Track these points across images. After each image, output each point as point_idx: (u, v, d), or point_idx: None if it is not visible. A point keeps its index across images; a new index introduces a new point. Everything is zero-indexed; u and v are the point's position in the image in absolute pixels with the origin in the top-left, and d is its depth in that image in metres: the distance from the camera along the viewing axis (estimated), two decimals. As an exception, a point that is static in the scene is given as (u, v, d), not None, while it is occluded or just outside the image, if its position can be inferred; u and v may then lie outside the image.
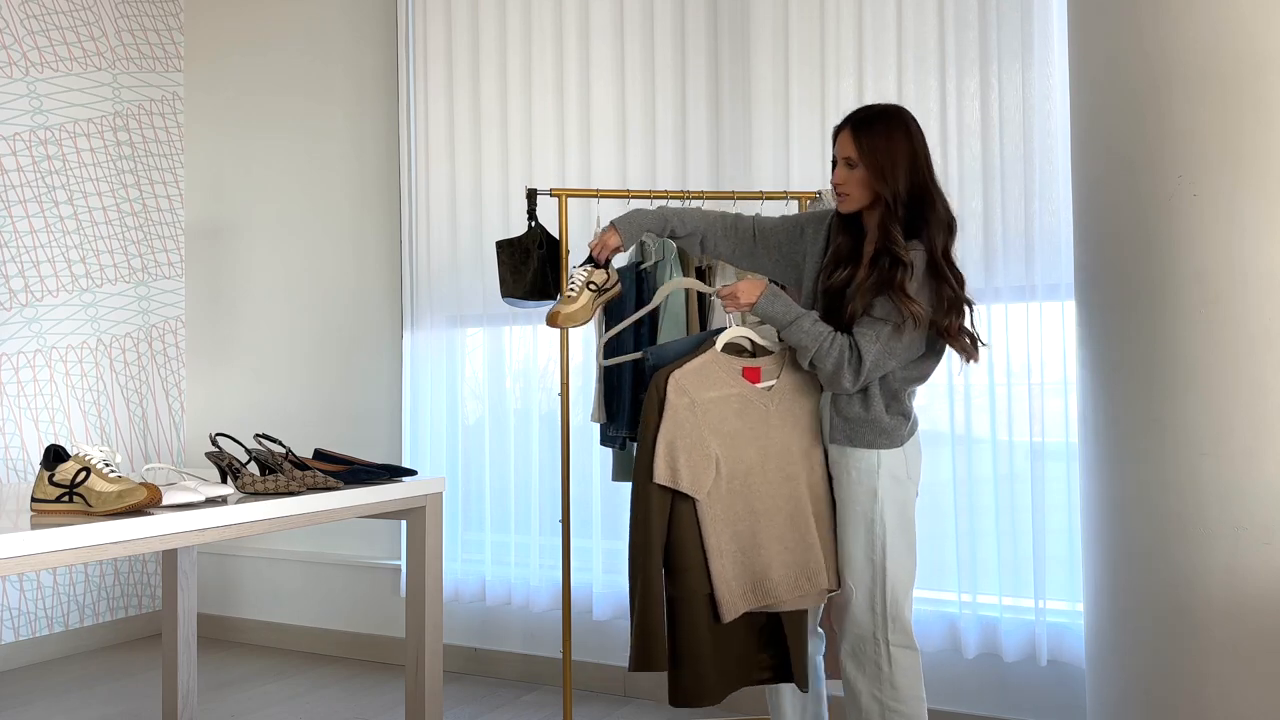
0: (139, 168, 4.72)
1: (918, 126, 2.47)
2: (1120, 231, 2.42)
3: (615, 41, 3.82)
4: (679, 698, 2.47)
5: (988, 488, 3.24)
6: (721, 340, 2.53)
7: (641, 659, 2.44)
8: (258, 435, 2.63)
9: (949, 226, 2.42)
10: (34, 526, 1.96)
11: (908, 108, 3.33)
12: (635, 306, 3.10)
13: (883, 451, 2.44)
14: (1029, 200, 3.19)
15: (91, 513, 2.09)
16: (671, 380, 2.47)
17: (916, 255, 2.37)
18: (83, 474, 2.12)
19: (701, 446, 2.47)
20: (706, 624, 2.46)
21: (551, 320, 2.67)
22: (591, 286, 2.70)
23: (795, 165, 3.50)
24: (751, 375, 2.53)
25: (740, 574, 2.47)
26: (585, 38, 3.87)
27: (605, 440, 3.23)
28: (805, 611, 2.57)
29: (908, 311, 2.33)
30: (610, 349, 3.09)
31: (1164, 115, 2.32)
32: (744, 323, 2.66)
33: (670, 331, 3.08)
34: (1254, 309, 2.21)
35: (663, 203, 2.79)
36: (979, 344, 2.47)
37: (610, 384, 3.15)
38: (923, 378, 2.51)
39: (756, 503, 2.51)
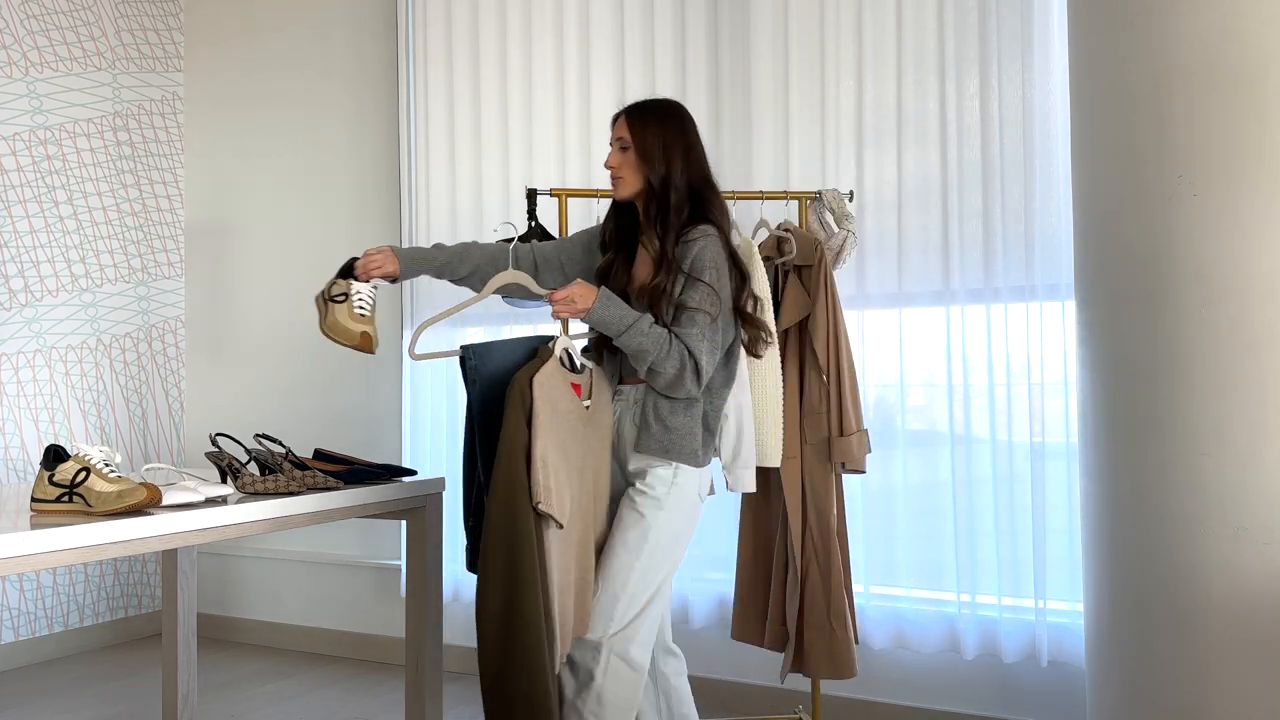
0: (139, 168, 4.72)
1: (694, 124, 2.50)
2: (1120, 231, 2.42)
3: (615, 42, 3.83)
4: None
5: (988, 488, 3.24)
6: (558, 349, 2.36)
7: None
8: (258, 435, 2.63)
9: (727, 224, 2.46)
10: (34, 526, 1.96)
11: (907, 108, 3.37)
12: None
13: (682, 466, 2.37)
14: (1029, 200, 3.19)
15: (91, 513, 2.09)
16: (536, 384, 2.23)
17: (710, 239, 2.37)
18: (83, 474, 2.12)
19: (564, 463, 2.25)
20: (549, 677, 2.18)
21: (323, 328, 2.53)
22: (338, 299, 2.51)
23: (795, 166, 3.50)
24: (578, 390, 2.36)
25: (566, 610, 2.26)
26: (585, 38, 3.87)
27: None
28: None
29: (715, 296, 2.32)
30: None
31: (1164, 115, 2.32)
32: (566, 331, 2.48)
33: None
34: (1254, 309, 2.21)
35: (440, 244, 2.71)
36: (765, 339, 2.51)
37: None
38: (730, 379, 2.47)
39: (574, 535, 2.30)
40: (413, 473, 2.82)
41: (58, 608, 4.35)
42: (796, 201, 3.22)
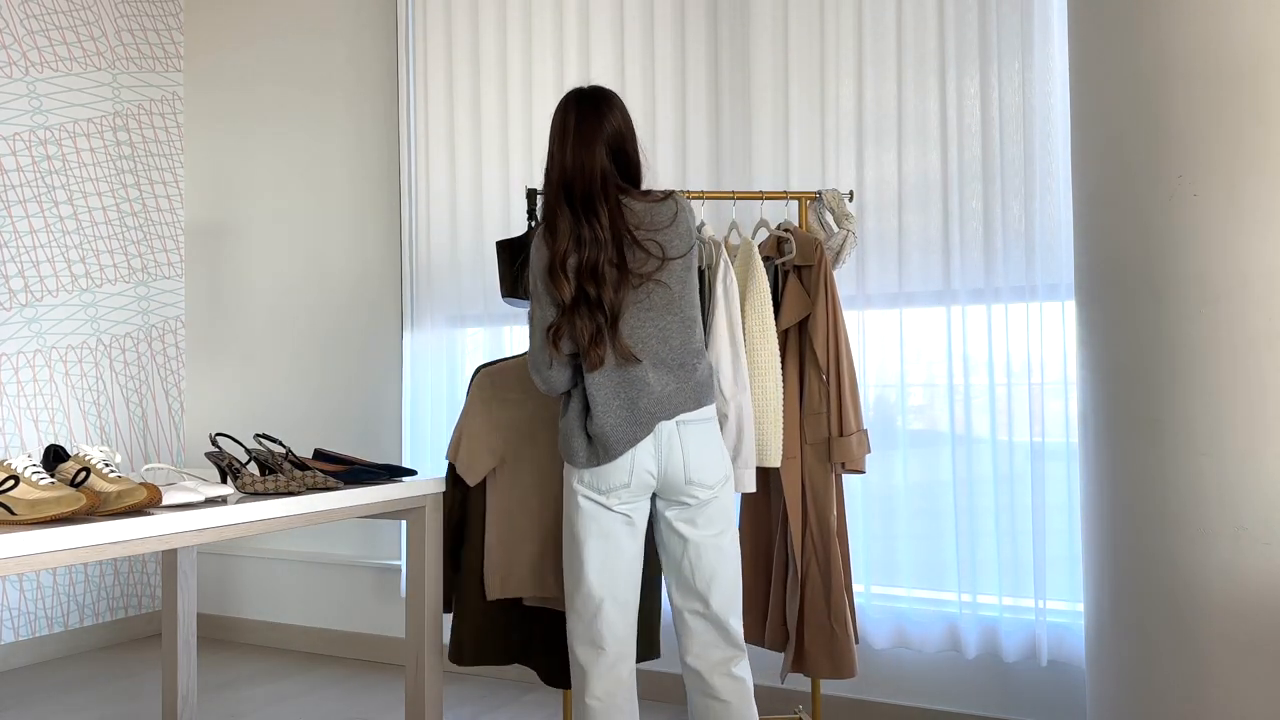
0: (139, 168, 4.72)
1: (566, 111, 2.48)
2: (1120, 231, 2.42)
3: (615, 42, 3.82)
4: (452, 653, 2.79)
5: (988, 488, 3.24)
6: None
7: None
8: (258, 435, 2.63)
9: (568, 239, 2.35)
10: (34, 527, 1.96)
11: (907, 108, 3.37)
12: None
13: (566, 462, 2.44)
14: (1029, 200, 3.19)
15: (91, 513, 2.08)
16: (478, 376, 2.83)
17: (535, 245, 2.42)
18: (82, 474, 2.12)
19: (484, 439, 2.78)
20: (478, 596, 2.80)
21: None
22: None
23: (795, 166, 3.50)
24: None
25: (501, 564, 2.77)
26: (585, 38, 3.87)
27: None
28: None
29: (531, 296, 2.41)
30: None
31: (1164, 115, 2.32)
32: None
33: None
34: (1254, 309, 2.21)
35: None
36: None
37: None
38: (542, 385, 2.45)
39: (523, 504, 2.78)
40: (413, 473, 2.82)
41: (58, 608, 4.35)
42: (796, 201, 3.21)
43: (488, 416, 2.79)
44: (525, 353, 2.72)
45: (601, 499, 2.37)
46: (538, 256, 2.38)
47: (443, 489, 2.83)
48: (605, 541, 2.38)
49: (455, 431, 2.80)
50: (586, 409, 2.36)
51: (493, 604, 2.80)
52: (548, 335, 2.34)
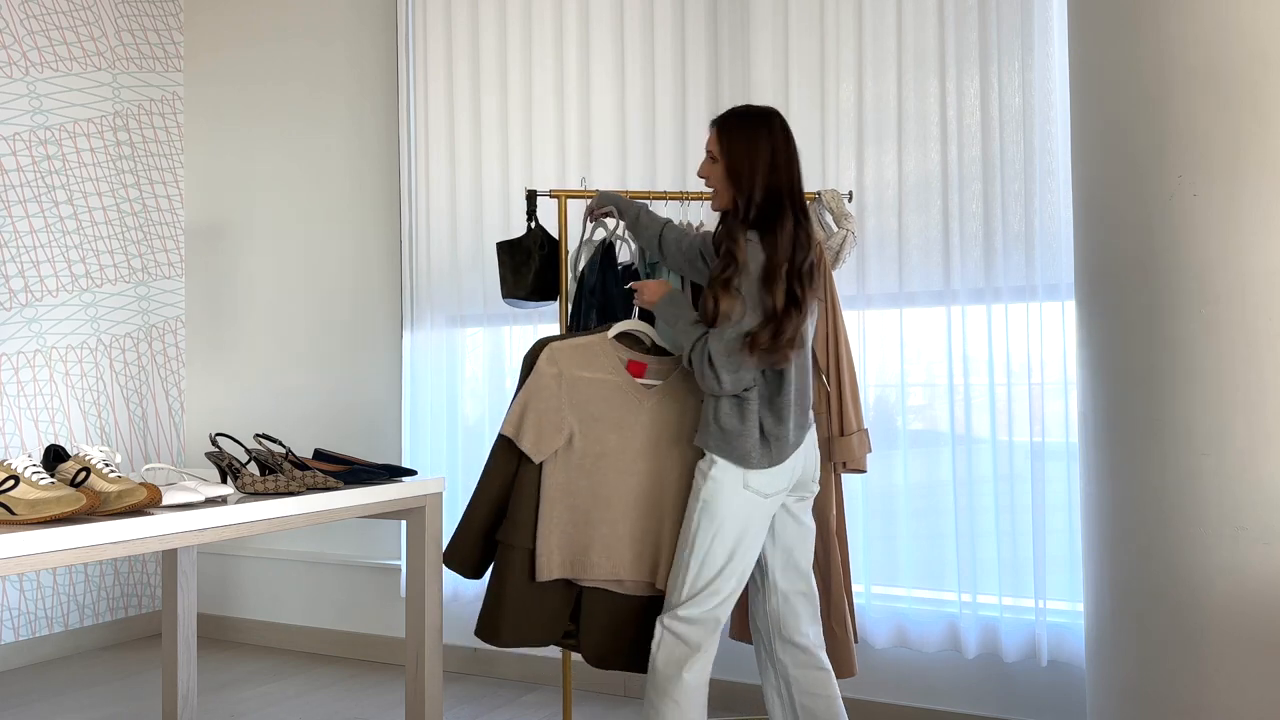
0: (139, 168, 4.72)
1: (785, 133, 2.55)
2: (1120, 231, 2.42)
3: (615, 43, 3.82)
4: (481, 630, 2.70)
5: (988, 488, 3.24)
6: (615, 329, 2.70)
7: (450, 550, 2.75)
8: (258, 435, 2.63)
9: (793, 246, 2.44)
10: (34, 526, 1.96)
11: (907, 108, 3.36)
12: (625, 307, 3.10)
13: (724, 462, 2.46)
14: (1029, 200, 3.19)
15: (91, 513, 2.09)
16: (547, 350, 2.68)
17: (753, 252, 2.41)
18: (82, 474, 2.12)
19: (554, 416, 2.66)
20: (524, 576, 2.67)
21: None
22: None
23: (795, 165, 3.50)
24: (635, 368, 2.68)
25: (564, 544, 2.65)
26: (585, 39, 3.87)
27: None
28: (638, 598, 2.70)
29: (740, 299, 2.39)
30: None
31: (1164, 115, 2.32)
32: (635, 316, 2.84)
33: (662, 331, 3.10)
34: (1254, 309, 2.21)
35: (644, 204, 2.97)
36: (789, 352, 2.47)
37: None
38: (784, 385, 2.48)
39: (601, 487, 2.66)
40: (413, 473, 2.82)
41: (58, 608, 4.35)
42: (796, 201, 3.21)
43: (558, 393, 2.66)
44: (597, 330, 2.70)
45: (764, 499, 2.48)
46: (754, 260, 2.40)
47: (442, 489, 2.83)
48: (757, 539, 2.51)
49: (517, 406, 2.66)
50: (764, 411, 2.46)
51: (537, 584, 2.68)
52: (749, 337, 2.39)
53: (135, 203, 4.70)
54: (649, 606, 2.70)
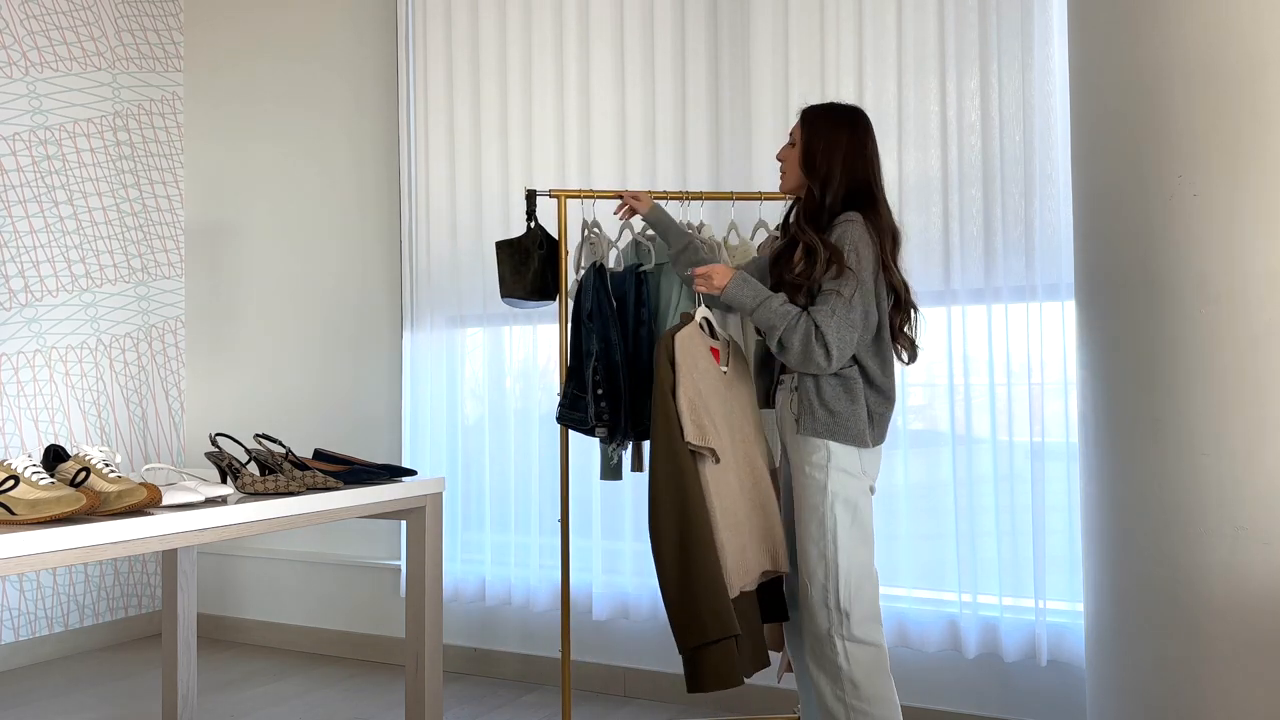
0: (139, 168, 4.72)
1: (867, 131, 2.60)
2: (1120, 231, 2.41)
3: (615, 42, 3.82)
4: (708, 679, 2.41)
5: (988, 488, 3.24)
6: (699, 316, 2.69)
7: (701, 657, 2.41)
8: (258, 435, 2.63)
9: (892, 234, 2.56)
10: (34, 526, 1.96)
11: (907, 108, 3.36)
12: (635, 308, 3.10)
13: (834, 443, 2.47)
14: (1029, 200, 3.19)
15: (91, 513, 2.09)
16: (679, 340, 2.54)
17: (852, 224, 2.46)
18: (82, 474, 2.12)
19: (709, 408, 2.53)
20: (727, 603, 2.45)
21: None
22: None
23: (795, 165, 3.50)
24: (715, 356, 2.67)
25: (735, 550, 2.52)
26: (585, 39, 3.87)
27: (569, 420, 3.14)
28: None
29: (852, 277, 2.42)
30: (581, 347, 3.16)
31: (1164, 115, 2.32)
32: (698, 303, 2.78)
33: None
34: (1254, 309, 2.21)
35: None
36: (914, 348, 2.62)
37: (613, 384, 3.13)
38: (886, 363, 2.54)
39: (735, 480, 2.57)
40: (413, 473, 2.82)
41: (58, 608, 4.35)
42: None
43: (706, 385, 2.56)
44: (685, 317, 2.69)
45: (869, 480, 2.53)
46: (868, 249, 2.46)
47: (442, 489, 2.83)
48: (872, 524, 2.55)
49: (681, 405, 2.45)
50: (869, 391, 2.50)
51: (733, 603, 2.48)
52: (870, 321, 2.46)
53: (135, 203, 4.70)
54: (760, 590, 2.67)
